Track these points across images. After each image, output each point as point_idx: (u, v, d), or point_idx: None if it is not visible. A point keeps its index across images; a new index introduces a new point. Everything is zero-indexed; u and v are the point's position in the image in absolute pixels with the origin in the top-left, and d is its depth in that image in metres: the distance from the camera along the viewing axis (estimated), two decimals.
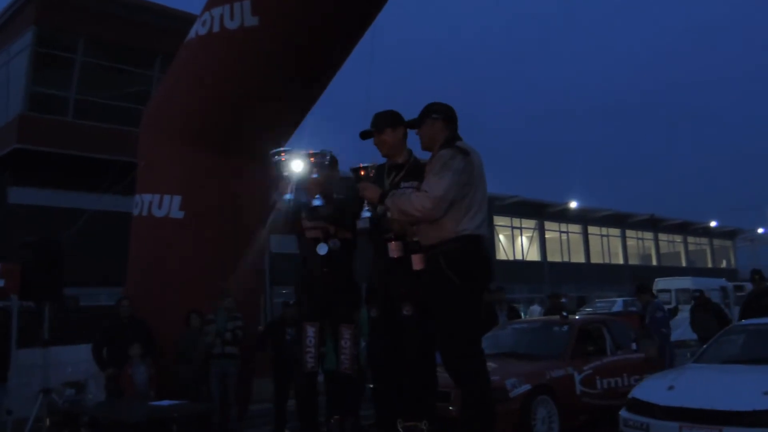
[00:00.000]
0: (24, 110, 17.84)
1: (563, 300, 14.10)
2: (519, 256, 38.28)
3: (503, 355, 7.89)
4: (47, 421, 8.38)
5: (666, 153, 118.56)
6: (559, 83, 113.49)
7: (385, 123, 4.51)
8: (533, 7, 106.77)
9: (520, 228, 38.68)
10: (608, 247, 43.60)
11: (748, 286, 25.12)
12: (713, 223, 49.05)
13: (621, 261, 43.70)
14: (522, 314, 17.28)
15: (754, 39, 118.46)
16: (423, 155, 4.59)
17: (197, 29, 8.89)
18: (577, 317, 10.16)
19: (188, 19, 12.83)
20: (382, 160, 4.65)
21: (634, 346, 8.63)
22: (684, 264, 47.57)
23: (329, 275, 4.70)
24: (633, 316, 13.53)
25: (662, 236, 47.47)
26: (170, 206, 9.01)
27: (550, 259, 39.14)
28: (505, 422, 6.36)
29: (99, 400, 8.69)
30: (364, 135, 4.57)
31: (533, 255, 38.99)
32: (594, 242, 42.44)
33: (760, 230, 50.44)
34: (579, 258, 41.17)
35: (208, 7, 8.73)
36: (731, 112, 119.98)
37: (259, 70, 8.57)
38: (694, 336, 12.77)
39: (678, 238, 48.93)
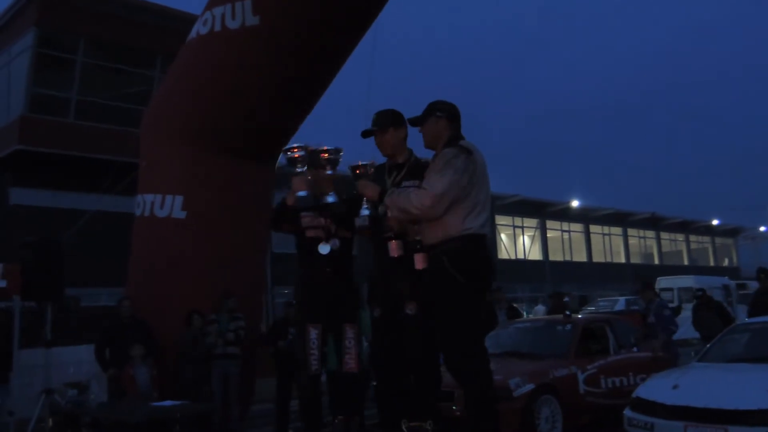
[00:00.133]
0: (25, 111, 17.84)
1: (566, 299, 14.10)
2: (521, 256, 38.27)
3: (506, 354, 7.87)
4: (49, 422, 8.38)
5: (667, 151, 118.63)
6: (560, 83, 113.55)
7: (388, 122, 4.48)
8: (534, 6, 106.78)
9: (522, 227, 38.67)
10: (610, 246, 43.58)
11: (751, 285, 25.20)
12: (715, 222, 49.03)
13: (623, 260, 43.67)
14: (524, 314, 17.28)
15: (755, 38, 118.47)
16: (423, 154, 4.58)
17: (198, 29, 8.87)
18: (579, 316, 10.15)
19: (188, 19, 12.82)
20: (381, 159, 4.63)
21: (635, 349, 8.57)
22: (686, 262, 47.53)
23: (331, 275, 4.67)
24: (635, 315, 13.51)
25: (664, 235, 47.44)
26: (172, 206, 8.99)
27: (551, 258, 39.13)
28: (509, 421, 6.34)
29: (101, 401, 8.68)
30: (366, 134, 4.54)
31: (535, 254, 38.98)
32: (596, 241, 42.42)
33: (762, 228, 50.42)
34: (581, 257, 41.16)
35: (209, 7, 8.71)
36: (732, 110, 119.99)
37: (261, 69, 8.54)
38: (697, 335, 12.75)
39: (680, 237, 48.89)
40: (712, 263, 50.13)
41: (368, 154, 4.64)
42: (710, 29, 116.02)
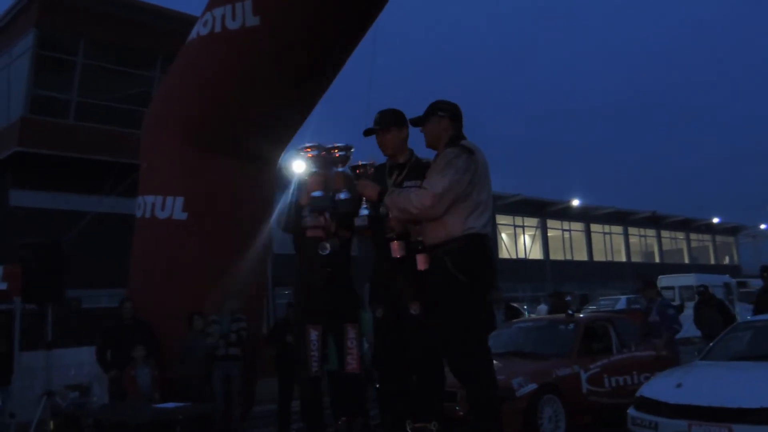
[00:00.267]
0: (25, 113, 17.82)
1: (568, 298, 14.09)
2: (521, 255, 38.27)
3: (509, 354, 7.85)
4: (51, 424, 8.36)
5: (667, 150, 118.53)
6: (560, 82, 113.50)
7: (391, 122, 4.46)
8: (533, 6, 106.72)
9: (523, 227, 38.68)
10: (611, 244, 43.58)
11: (752, 283, 25.20)
12: (716, 220, 49.03)
13: (623, 258, 43.68)
14: (526, 313, 17.28)
15: (755, 37, 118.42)
16: (424, 154, 4.56)
17: (198, 30, 8.86)
18: (581, 315, 10.13)
19: (188, 21, 12.81)
20: (381, 159, 4.61)
21: (633, 348, 8.53)
22: (687, 261, 47.52)
23: (331, 275, 4.64)
24: (636, 314, 13.48)
25: (665, 233, 47.45)
26: (173, 208, 8.98)
27: (552, 257, 39.13)
28: (512, 421, 6.33)
29: (103, 403, 8.67)
30: (368, 133, 4.52)
31: (536, 253, 38.98)
32: (596, 240, 42.42)
33: (763, 226, 50.40)
34: (581, 256, 41.16)
35: (209, 8, 8.70)
36: (732, 109, 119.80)
37: (261, 70, 8.54)
38: (698, 333, 12.72)
39: (680, 235, 48.90)
40: (712, 261, 50.12)
41: (368, 154, 4.62)
42: (710, 29, 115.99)
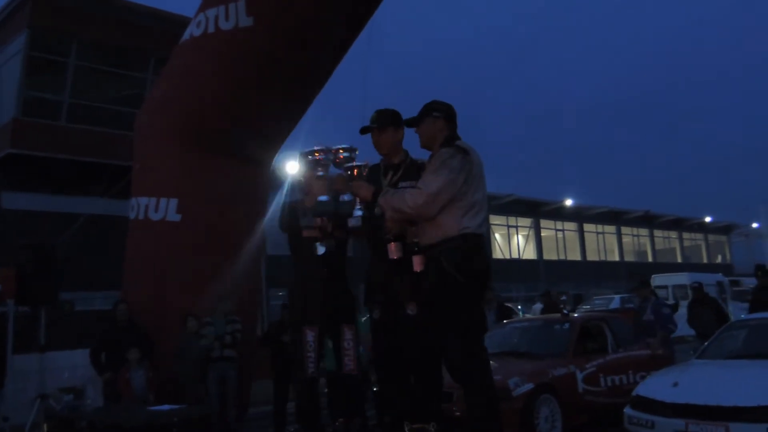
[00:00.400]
0: (17, 114, 17.72)
1: (563, 297, 14.10)
2: (515, 255, 38.32)
3: (505, 354, 7.85)
4: (44, 427, 8.33)
5: (660, 150, 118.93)
6: (554, 82, 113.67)
7: (388, 121, 4.46)
8: (530, 5, 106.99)
9: (516, 227, 38.72)
10: (604, 244, 43.67)
11: (745, 281, 25.29)
12: (708, 219, 49.19)
13: (617, 258, 43.78)
14: (520, 313, 17.28)
15: (752, 37, 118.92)
16: (418, 155, 4.56)
17: (192, 30, 8.83)
18: (575, 315, 10.13)
19: (181, 22, 12.76)
20: (374, 159, 4.60)
21: (628, 347, 8.52)
22: (679, 260, 47.65)
23: (327, 276, 4.63)
24: (630, 313, 13.49)
25: (657, 232, 47.58)
26: (167, 209, 8.95)
27: (546, 257, 39.19)
28: (508, 421, 6.31)
29: (97, 405, 8.63)
30: (365, 131, 4.51)
31: (529, 253, 39.03)
32: (590, 240, 42.51)
33: (755, 225, 50.55)
34: (575, 256, 41.24)
35: (202, 8, 8.68)
36: (724, 109, 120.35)
37: (255, 70, 8.52)
38: (692, 332, 12.74)
39: (673, 234, 49.05)
40: (705, 260, 50.28)
41: (362, 153, 4.61)
42: (703, 27, 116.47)
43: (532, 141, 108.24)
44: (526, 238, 39.39)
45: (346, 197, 4.34)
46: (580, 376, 7.51)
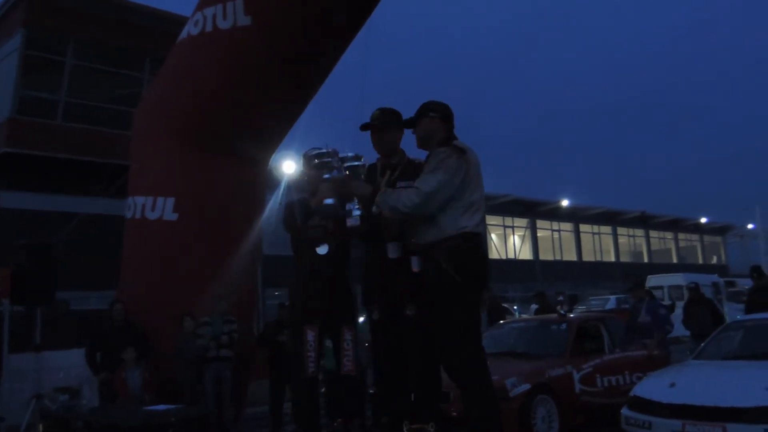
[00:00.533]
0: (13, 114, 17.66)
1: (560, 298, 14.12)
2: (511, 255, 38.36)
3: (502, 354, 7.84)
4: (40, 428, 8.29)
5: (656, 150, 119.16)
6: (550, 83, 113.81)
7: (391, 121, 4.46)
8: (528, 5, 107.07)
9: (512, 227, 38.76)
10: (600, 244, 43.74)
11: (740, 282, 25.33)
12: (704, 220, 49.29)
13: (612, 258, 43.84)
14: (516, 313, 17.31)
15: (751, 37, 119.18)
16: (415, 155, 4.56)
17: (189, 29, 8.81)
18: (571, 315, 10.13)
19: (178, 21, 12.75)
20: (371, 159, 4.59)
21: (625, 348, 8.53)
22: (675, 260, 47.76)
23: (330, 276, 4.61)
24: (626, 314, 13.51)
25: (653, 233, 47.68)
26: (164, 208, 8.94)
27: (542, 257, 39.23)
28: (505, 422, 6.26)
29: (93, 405, 8.60)
30: (365, 128, 4.50)
31: (525, 254, 39.07)
32: (586, 240, 42.57)
33: (750, 226, 50.68)
34: (571, 256, 41.29)
35: (200, 7, 8.66)
36: (721, 110, 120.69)
37: (252, 70, 8.50)
38: (687, 332, 12.76)
39: (669, 235, 49.14)
40: (700, 261, 50.38)
41: (360, 152, 4.59)
42: (698, 27, 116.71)
43: (529, 141, 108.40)
44: (523, 238, 39.43)
45: (351, 206, 4.31)
46: (577, 376, 7.51)
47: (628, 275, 37.59)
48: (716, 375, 6.37)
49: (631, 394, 6.41)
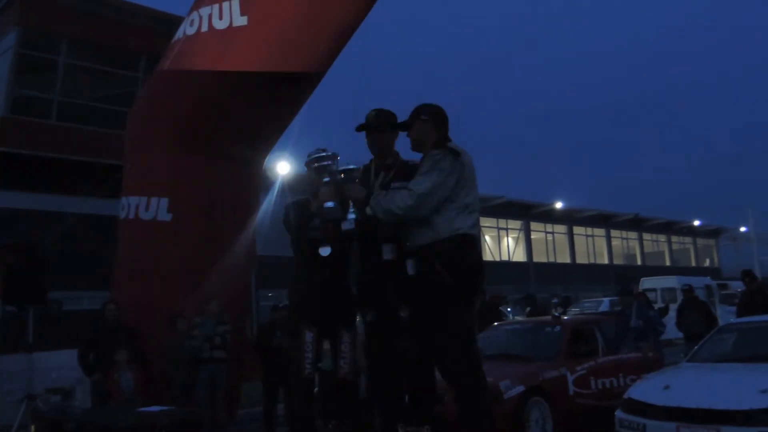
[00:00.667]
0: (6, 113, 17.59)
1: (555, 300, 14.14)
2: (505, 257, 38.39)
3: (496, 356, 7.83)
4: (32, 429, 8.24)
5: (650, 153, 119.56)
6: (545, 84, 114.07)
7: (386, 122, 4.46)
8: (521, 6, 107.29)
9: (506, 229, 38.80)
10: (593, 247, 43.83)
11: (732, 285, 25.42)
12: (697, 223, 49.46)
13: (606, 261, 43.94)
14: (509, 315, 17.30)
15: (740, 39, 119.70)
16: (409, 157, 4.56)
17: (185, 29, 8.78)
18: (565, 318, 10.14)
19: (173, 20, 12.72)
20: (365, 160, 4.59)
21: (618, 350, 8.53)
22: (668, 263, 47.92)
23: (330, 278, 4.60)
24: (613, 317, 13.54)
25: (646, 236, 47.81)
26: (157, 209, 8.91)
27: (536, 259, 39.29)
28: (500, 424, 6.28)
29: (85, 407, 8.55)
30: (361, 128, 4.50)
31: (519, 256, 39.11)
32: (579, 242, 42.65)
33: (743, 229, 50.89)
34: (564, 258, 41.36)
35: (196, 7, 8.64)
36: (714, 112, 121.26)
37: (248, 70, 8.46)
38: (680, 335, 12.79)
39: (662, 238, 49.28)
40: (693, 264, 50.56)
41: (355, 153, 4.60)
42: (692, 31, 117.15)
43: (523, 143, 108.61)
44: (516, 240, 39.48)
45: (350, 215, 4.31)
46: (571, 378, 7.51)
47: (622, 278, 37.73)
48: (710, 377, 6.38)
49: (626, 396, 6.41)
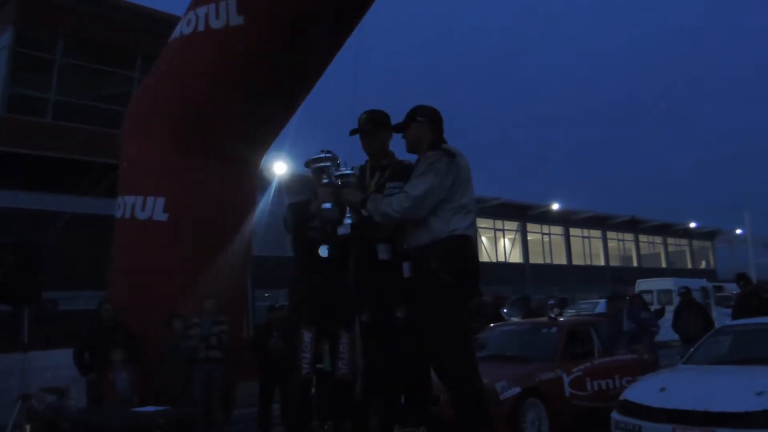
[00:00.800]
0: (2, 111, 17.54)
1: (551, 302, 14.15)
2: (501, 258, 38.41)
3: (492, 357, 7.84)
4: (27, 428, 8.21)
5: (646, 155, 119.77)
6: (541, 86, 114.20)
7: (379, 123, 4.45)
8: (516, 8, 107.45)
9: (503, 230, 38.82)
10: (589, 248, 43.87)
11: (728, 287, 25.48)
12: (693, 224, 49.53)
13: (602, 262, 43.99)
14: (505, 317, 17.29)
15: (737, 41, 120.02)
16: (405, 158, 4.56)
17: (182, 28, 8.76)
18: (561, 319, 10.15)
19: (169, 20, 12.70)
20: (357, 158, 4.60)
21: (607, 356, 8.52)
22: (664, 265, 47.96)
23: (329, 278, 4.60)
24: (606, 319, 13.55)
25: (642, 237, 47.86)
26: (153, 208, 8.88)
27: (532, 260, 39.31)
28: (496, 425, 6.28)
29: (80, 406, 8.53)
30: (354, 132, 4.50)
31: (515, 257, 39.14)
32: (575, 244, 42.68)
33: (739, 231, 50.96)
34: (561, 260, 41.40)
35: (193, 6, 8.62)
36: (711, 114, 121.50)
37: (244, 69, 8.46)
38: (676, 337, 12.82)
39: (658, 240, 49.35)
40: (689, 266, 50.64)
41: (352, 155, 4.60)
42: (689, 32, 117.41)
43: (520, 144, 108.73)
44: (513, 241, 39.51)
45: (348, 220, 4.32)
46: (566, 380, 7.52)
47: (618, 279, 37.79)
48: (706, 380, 6.39)
49: (622, 398, 6.40)
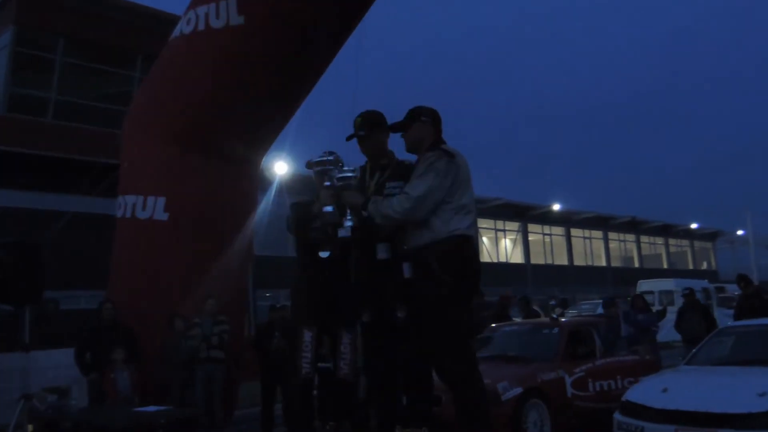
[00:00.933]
0: (3, 111, 17.54)
1: (552, 302, 14.13)
2: (502, 259, 38.41)
3: (494, 357, 7.82)
4: (28, 428, 8.20)
5: (648, 155, 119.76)
6: (542, 86, 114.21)
7: (374, 125, 4.44)
8: (516, 8, 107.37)
9: (504, 230, 38.82)
10: (591, 249, 43.86)
11: (729, 288, 25.45)
12: (694, 225, 49.51)
13: (603, 263, 43.98)
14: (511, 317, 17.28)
15: (737, 42, 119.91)
16: (404, 158, 4.55)
17: (182, 28, 8.76)
18: (563, 320, 10.14)
19: (169, 20, 12.69)
20: (355, 160, 4.59)
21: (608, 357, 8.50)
22: (665, 266, 47.96)
23: (331, 278, 4.58)
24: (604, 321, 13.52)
25: (644, 238, 47.85)
26: (154, 208, 8.89)
27: (533, 261, 39.31)
28: (497, 426, 6.28)
29: (82, 406, 8.52)
30: (351, 138, 4.49)
31: (517, 257, 39.13)
32: (577, 244, 42.67)
33: (740, 232, 50.95)
34: (562, 260, 41.39)
35: (193, 6, 8.62)
36: (712, 114, 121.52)
37: (245, 69, 8.46)
38: (677, 337, 12.81)
39: (659, 240, 49.33)
40: (690, 266, 50.61)
41: (350, 156, 4.59)
42: (691, 32, 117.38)
43: (521, 145, 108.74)
44: (514, 242, 39.51)
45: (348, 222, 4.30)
46: (569, 380, 7.50)
47: (619, 280, 37.78)
48: (708, 381, 6.37)
49: (624, 398, 6.39)
